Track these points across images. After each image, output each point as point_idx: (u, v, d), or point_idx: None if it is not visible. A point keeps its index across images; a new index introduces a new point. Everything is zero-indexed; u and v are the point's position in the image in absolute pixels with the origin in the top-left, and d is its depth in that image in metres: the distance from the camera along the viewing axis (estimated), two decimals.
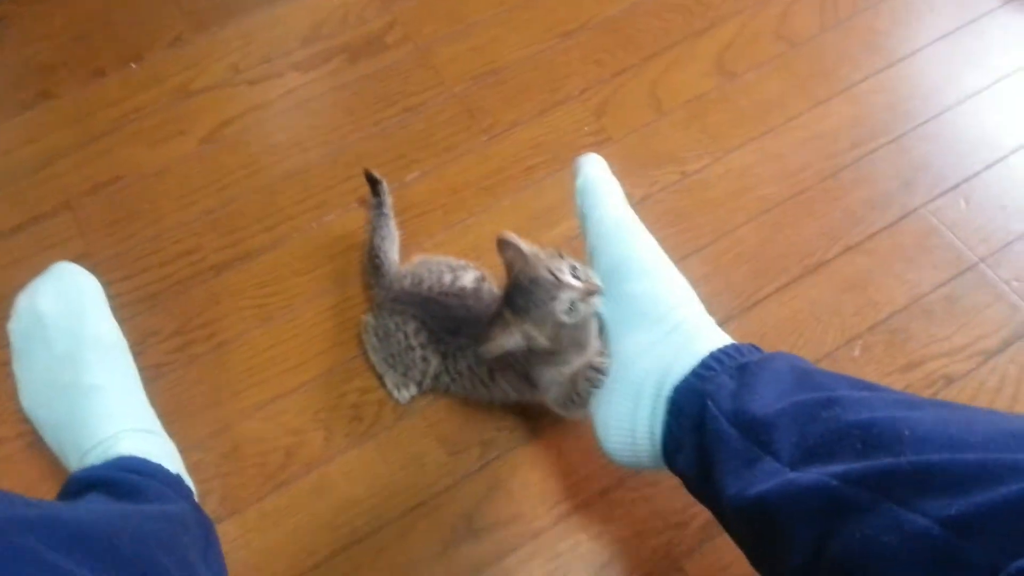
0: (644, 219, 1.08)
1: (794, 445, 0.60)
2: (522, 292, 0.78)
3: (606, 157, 1.14)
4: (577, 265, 0.79)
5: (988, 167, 1.11)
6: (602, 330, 0.79)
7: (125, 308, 1.04)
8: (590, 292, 0.77)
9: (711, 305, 1.01)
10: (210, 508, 0.91)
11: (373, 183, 1.05)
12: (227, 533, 0.90)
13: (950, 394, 0.96)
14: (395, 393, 0.97)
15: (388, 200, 1.05)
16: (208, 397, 0.98)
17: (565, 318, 0.76)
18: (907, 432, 0.53)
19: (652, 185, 1.12)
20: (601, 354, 0.78)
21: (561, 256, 0.80)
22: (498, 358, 0.84)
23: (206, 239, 1.09)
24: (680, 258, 1.04)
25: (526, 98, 1.20)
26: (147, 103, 1.22)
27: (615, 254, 0.79)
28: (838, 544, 0.54)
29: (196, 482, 0.86)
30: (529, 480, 0.93)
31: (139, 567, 0.58)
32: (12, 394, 0.97)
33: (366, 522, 0.91)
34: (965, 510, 0.48)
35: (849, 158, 1.12)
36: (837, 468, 0.55)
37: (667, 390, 0.71)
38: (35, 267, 0.94)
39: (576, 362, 0.80)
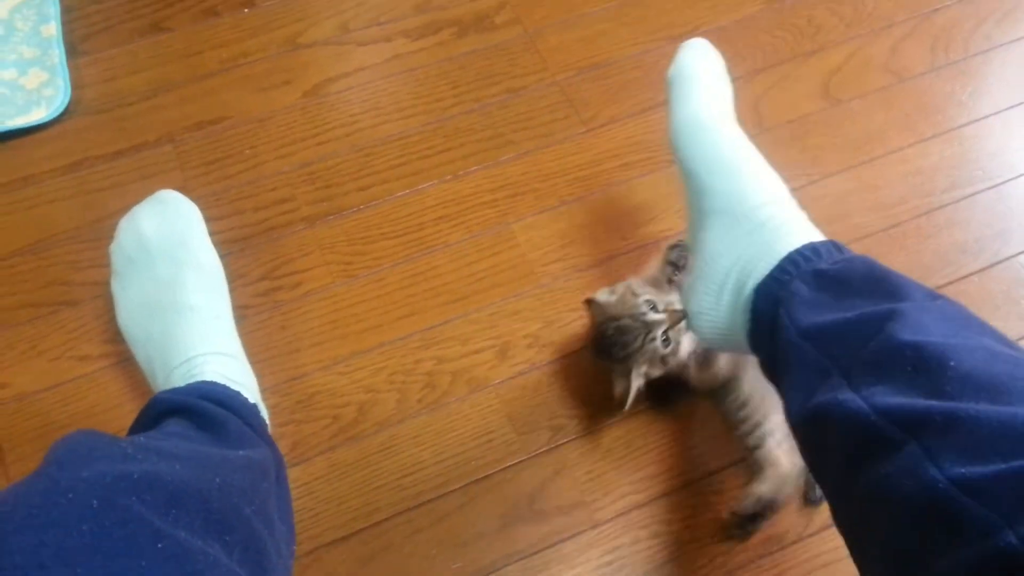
0: None
1: (852, 359, 0.60)
2: (615, 344, 0.87)
3: None
4: (652, 297, 0.87)
5: None
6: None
7: (215, 247, 1.05)
8: (676, 320, 0.85)
9: None
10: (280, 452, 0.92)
11: None
12: (295, 479, 0.91)
13: None
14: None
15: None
16: (289, 344, 1.00)
17: (665, 350, 0.86)
18: (953, 363, 0.54)
19: None
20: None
21: (635, 293, 0.88)
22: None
23: (301, 190, 1.11)
24: None
25: (628, 95, 1.21)
26: (256, 49, 1.23)
27: (696, 155, 0.77)
28: (865, 476, 0.55)
29: (270, 425, 0.88)
30: (596, 470, 0.93)
31: (226, 521, 0.59)
32: (101, 315, 1.00)
33: (430, 488, 0.92)
34: (977, 474, 0.48)
35: (946, 199, 1.12)
36: (883, 399, 0.55)
37: (747, 291, 0.71)
38: (133, 193, 0.96)
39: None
